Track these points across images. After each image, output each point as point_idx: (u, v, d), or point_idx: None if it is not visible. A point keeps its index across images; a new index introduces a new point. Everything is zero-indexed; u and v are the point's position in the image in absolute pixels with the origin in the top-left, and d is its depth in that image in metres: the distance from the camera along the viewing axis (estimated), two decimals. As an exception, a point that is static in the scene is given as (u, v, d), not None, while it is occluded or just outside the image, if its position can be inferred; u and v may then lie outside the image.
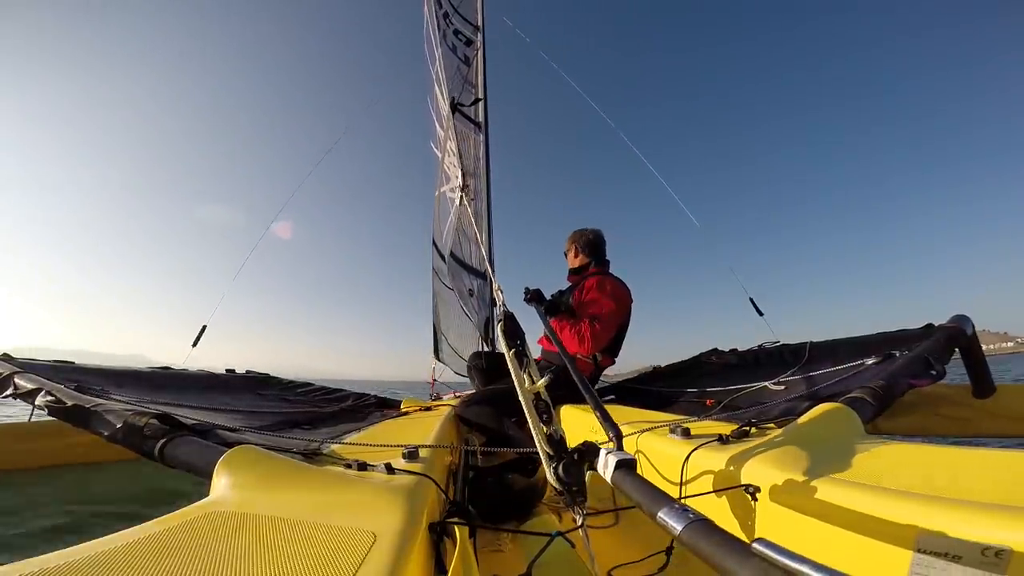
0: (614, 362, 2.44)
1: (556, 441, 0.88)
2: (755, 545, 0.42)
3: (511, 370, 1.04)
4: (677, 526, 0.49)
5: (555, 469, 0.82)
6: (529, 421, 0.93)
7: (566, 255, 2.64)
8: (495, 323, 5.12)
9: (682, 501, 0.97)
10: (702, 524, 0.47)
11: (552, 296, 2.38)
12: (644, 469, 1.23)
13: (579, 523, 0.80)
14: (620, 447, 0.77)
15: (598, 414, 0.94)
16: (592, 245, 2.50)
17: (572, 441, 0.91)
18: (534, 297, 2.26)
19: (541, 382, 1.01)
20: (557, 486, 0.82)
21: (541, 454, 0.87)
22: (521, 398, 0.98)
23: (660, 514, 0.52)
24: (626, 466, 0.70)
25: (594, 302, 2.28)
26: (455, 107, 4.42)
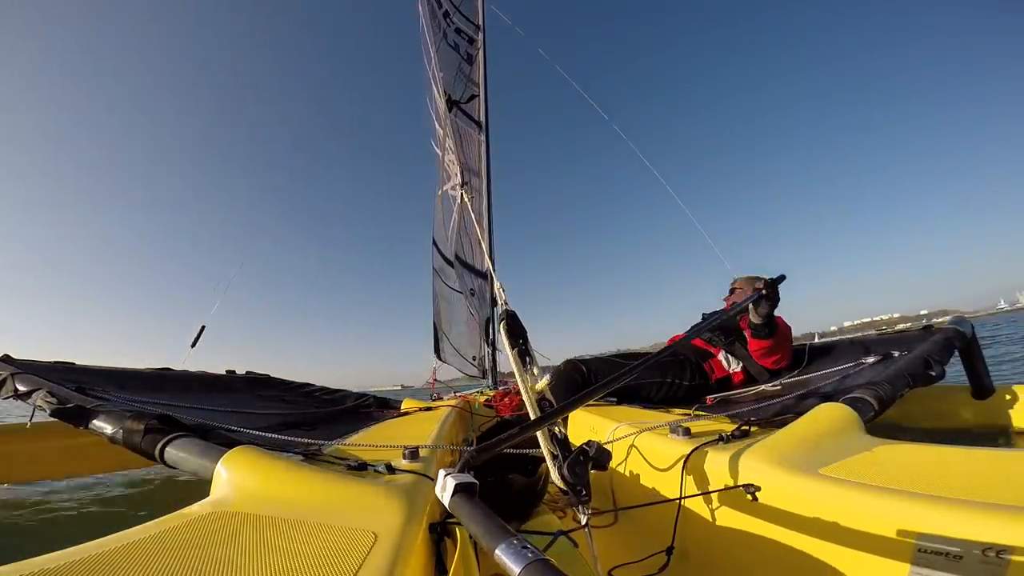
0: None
1: (560, 440, 0.88)
2: None
3: (515, 369, 1.04)
4: (515, 567, 0.44)
5: (560, 468, 0.81)
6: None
7: (735, 290, 2.60)
8: (496, 322, 5.11)
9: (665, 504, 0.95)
10: (542, 565, 0.44)
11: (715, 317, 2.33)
12: (644, 469, 1.23)
13: (583, 522, 0.80)
14: (463, 468, 0.69)
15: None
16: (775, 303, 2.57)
17: (574, 440, 0.91)
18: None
19: (543, 382, 1.01)
20: (562, 486, 0.81)
21: (546, 453, 0.86)
22: (525, 398, 0.97)
23: (498, 551, 0.47)
24: (465, 490, 0.63)
25: (785, 335, 2.28)
26: (452, 105, 4.42)
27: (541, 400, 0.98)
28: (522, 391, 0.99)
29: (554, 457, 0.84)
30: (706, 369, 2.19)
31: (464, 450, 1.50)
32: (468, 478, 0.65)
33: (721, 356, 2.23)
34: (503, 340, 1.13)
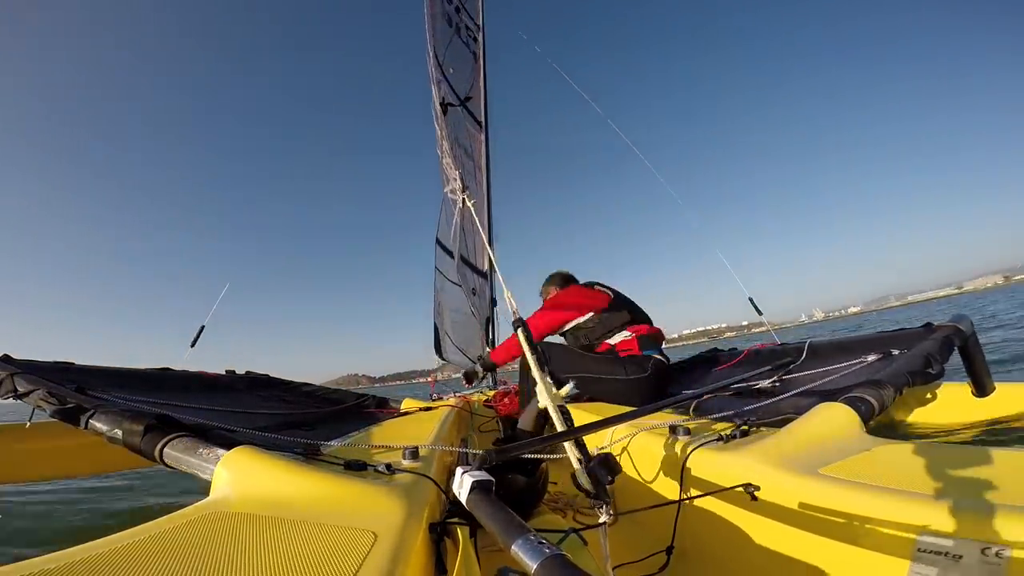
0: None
1: (581, 445, 0.91)
2: None
3: (536, 376, 1.06)
4: (531, 562, 0.44)
5: (585, 472, 0.83)
6: (557, 427, 0.96)
7: (546, 299, 2.88)
8: (495, 322, 5.10)
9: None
10: (559, 560, 0.43)
11: None
12: (644, 469, 1.23)
13: (602, 521, 0.81)
14: (479, 466, 0.70)
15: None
16: (566, 279, 2.94)
17: None
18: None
19: (565, 389, 1.05)
20: (589, 488, 0.83)
21: (572, 458, 0.88)
22: (549, 405, 1.00)
23: (514, 547, 0.47)
24: (482, 488, 0.63)
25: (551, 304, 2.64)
26: (446, 107, 4.41)
27: (560, 405, 1.01)
28: (542, 397, 1.02)
29: (580, 461, 0.86)
30: (623, 356, 2.38)
31: (463, 450, 1.51)
32: (485, 475, 0.66)
33: (611, 340, 2.43)
34: (524, 347, 1.16)
